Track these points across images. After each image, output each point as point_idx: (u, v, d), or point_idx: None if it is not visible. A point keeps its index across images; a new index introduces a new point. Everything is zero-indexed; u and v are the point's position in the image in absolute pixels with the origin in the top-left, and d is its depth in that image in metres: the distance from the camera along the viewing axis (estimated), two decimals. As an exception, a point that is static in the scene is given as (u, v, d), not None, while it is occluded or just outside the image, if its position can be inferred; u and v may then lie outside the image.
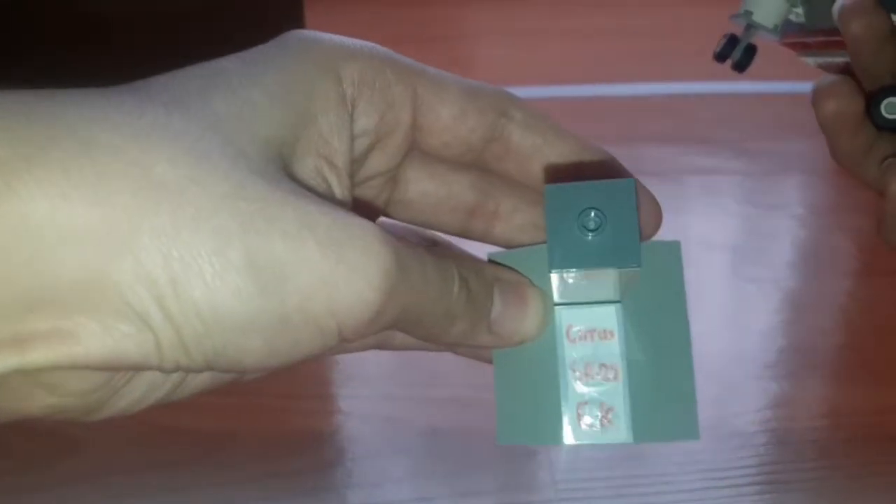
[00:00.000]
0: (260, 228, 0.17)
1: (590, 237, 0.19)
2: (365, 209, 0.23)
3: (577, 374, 0.22)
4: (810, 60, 0.32)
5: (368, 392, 0.58)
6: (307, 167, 0.20)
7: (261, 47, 0.20)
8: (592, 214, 0.19)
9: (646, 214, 0.22)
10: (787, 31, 0.31)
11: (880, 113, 0.26)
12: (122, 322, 0.16)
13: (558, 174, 0.22)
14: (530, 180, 0.23)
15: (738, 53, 0.32)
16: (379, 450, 0.54)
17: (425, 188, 0.24)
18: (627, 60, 1.07)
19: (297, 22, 1.04)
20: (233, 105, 0.18)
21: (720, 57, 0.32)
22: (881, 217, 0.29)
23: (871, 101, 0.26)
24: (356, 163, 0.22)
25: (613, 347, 0.22)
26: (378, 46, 0.22)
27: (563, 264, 0.19)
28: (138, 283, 0.16)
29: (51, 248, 0.16)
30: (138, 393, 0.20)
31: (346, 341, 0.18)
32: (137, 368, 0.18)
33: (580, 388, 0.22)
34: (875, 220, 0.30)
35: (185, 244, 0.16)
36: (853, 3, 0.25)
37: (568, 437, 0.22)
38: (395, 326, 0.20)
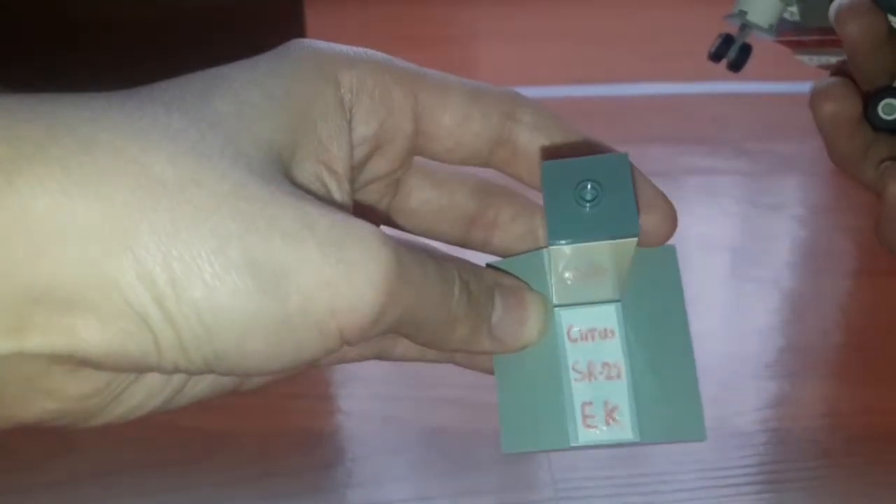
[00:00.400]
0: (260, 228, 0.17)
1: (587, 209, 0.19)
2: (368, 215, 0.23)
3: (580, 374, 0.22)
4: (806, 59, 0.32)
5: (368, 392, 0.59)
6: (306, 172, 0.19)
7: (262, 55, 0.20)
8: (589, 186, 0.19)
9: (660, 219, 0.22)
10: (783, 30, 0.31)
11: (877, 114, 0.26)
12: (122, 319, 0.16)
13: (558, 154, 0.22)
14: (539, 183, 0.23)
15: (733, 53, 0.32)
16: (379, 449, 0.54)
17: (428, 196, 0.24)
18: (627, 61, 1.07)
19: (298, 22, 1.04)
20: (233, 105, 0.18)
21: (715, 57, 0.32)
22: (878, 219, 0.29)
23: (869, 103, 0.26)
24: (356, 169, 0.22)
25: (615, 346, 0.22)
26: (378, 53, 0.21)
27: (561, 236, 0.19)
28: (138, 282, 0.16)
29: (51, 244, 0.16)
30: (137, 399, 0.19)
31: (349, 344, 0.18)
32: (136, 368, 0.17)
33: (583, 388, 0.22)
34: (873, 221, 0.30)
35: (184, 243, 0.16)
36: (849, 4, 0.25)
37: (573, 440, 0.22)
38: (396, 330, 0.19)
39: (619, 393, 0.22)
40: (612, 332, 0.22)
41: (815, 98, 0.26)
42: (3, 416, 0.18)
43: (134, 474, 0.52)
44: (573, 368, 0.22)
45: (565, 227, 0.19)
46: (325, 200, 0.19)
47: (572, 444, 0.21)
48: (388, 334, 0.21)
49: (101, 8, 0.95)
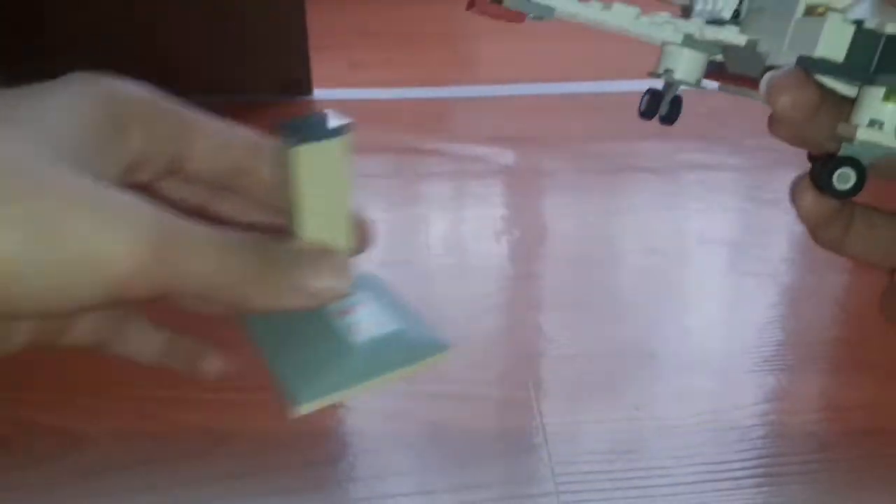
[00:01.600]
0: (36, 192, 0.20)
1: (311, 131, 0.24)
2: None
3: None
4: (730, 91, 0.31)
5: (370, 387, 0.59)
6: (91, 165, 0.22)
7: (54, 82, 0.24)
8: (311, 123, 0.24)
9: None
10: (709, 71, 0.31)
11: (831, 184, 0.26)
12: None
13: None
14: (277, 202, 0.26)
15: (664, 109, 0.32)
16: (381, 444, 0.54)
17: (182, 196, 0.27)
18: (624, 57, 1.07)
19: (299, 21, 1.04)
20: (25, 111, 0.22)
21: (646, 115, 0.32)
22: (887, 292, 0.28)
23: (821, 173, 0.26)
24: (126, 172, 0.25)
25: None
26: (146, 90, 0.25)
27: (294, 143, 0.23)
28: None
29: None
30: None
31: (123, 300, 0.21)
32: None
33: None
34: (878, 296, 0.30)
35: None
36: (781, 79, 0.25)
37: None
38: (184, 291, 0.22)
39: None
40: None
41: (771, 91, 0.25)
42: None
43: (137, 470, 0.52)
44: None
45: (296, 137, 0.23)
46: (102, 181, 0.22)
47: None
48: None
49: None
